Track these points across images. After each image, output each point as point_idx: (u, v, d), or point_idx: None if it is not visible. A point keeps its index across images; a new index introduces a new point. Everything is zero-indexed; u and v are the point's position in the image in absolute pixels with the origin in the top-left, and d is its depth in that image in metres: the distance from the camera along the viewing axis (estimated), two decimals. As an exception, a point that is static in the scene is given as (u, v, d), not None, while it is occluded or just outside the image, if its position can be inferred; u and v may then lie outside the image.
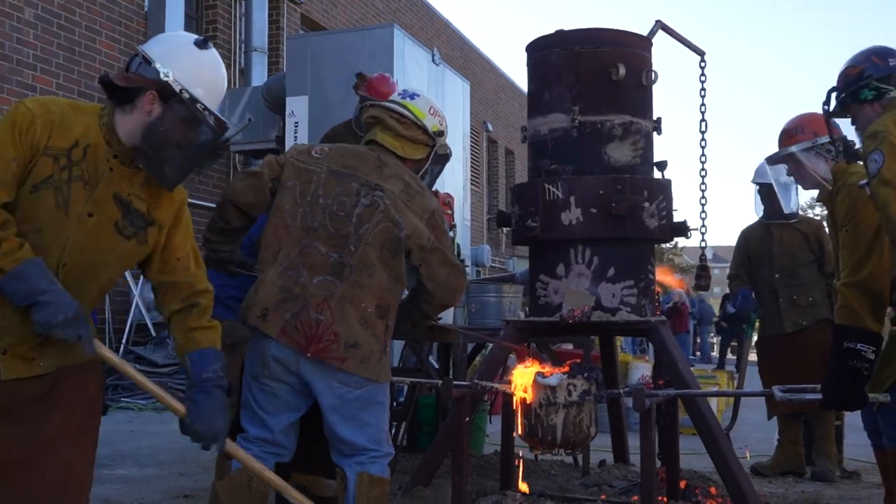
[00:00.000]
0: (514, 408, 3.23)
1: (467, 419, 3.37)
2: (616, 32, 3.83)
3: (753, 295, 5.20)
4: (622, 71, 3.69)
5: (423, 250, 2.71)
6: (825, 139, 3.12)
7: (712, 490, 3.90)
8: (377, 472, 2.70)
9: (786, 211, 3.59)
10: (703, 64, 5.11)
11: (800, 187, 3.24)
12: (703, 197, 4.90)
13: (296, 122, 8.47)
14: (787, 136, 3.25)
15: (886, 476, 3.05)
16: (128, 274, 9.10)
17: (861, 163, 2.98)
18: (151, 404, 8.11)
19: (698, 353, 18.66)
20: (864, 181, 2.63)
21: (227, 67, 11.41)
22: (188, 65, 2.22)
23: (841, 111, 2.84)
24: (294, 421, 2.77)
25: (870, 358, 2.71)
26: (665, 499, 3.78)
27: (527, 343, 4.01)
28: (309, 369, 2.64)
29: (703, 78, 5.09)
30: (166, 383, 8.48)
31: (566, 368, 3.17)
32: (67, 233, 2.14)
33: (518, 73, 22.10)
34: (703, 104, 5.09)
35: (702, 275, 4.33)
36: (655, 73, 3.83)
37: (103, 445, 5.50)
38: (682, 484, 3.95)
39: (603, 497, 4.04)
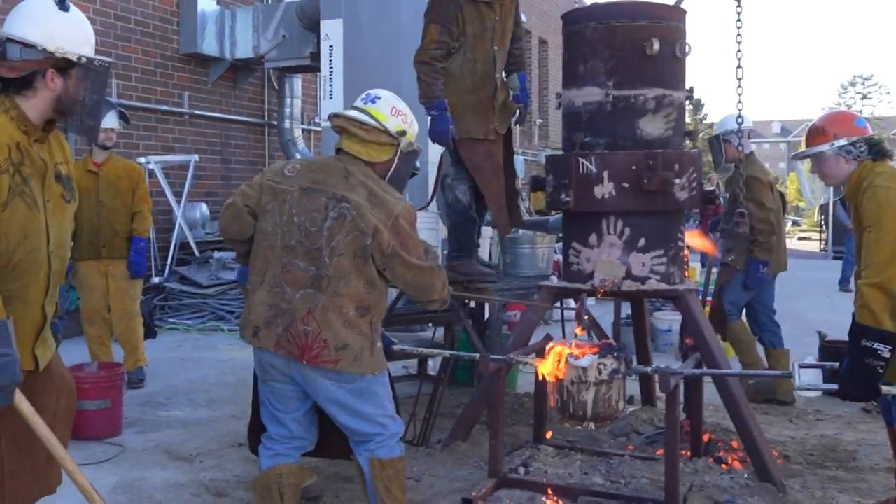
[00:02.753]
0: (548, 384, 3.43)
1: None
2: (650, 6, 3.80)
3: None
4: (656, 46, 3.68)
5: (384, 256, 2.85)
6: (843, 141, 3.15)
7: (734, 444, 4.12)
8: (386, 454, 2.94)
9: (808, 206, 3.66)
10: (739, 9, 5.02)
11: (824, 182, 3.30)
12: (740, 143, 4.93)
13: (331, 46, 8.44)
14: (810, 135, 3.28)
15: (897, 451, 3.24)
16: (169, 194, 9.33)
17: (888, 162, 3.03)
18: (197, 325, 8.53)
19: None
20: None
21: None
22: (69, 32, 2.36)
23: None
24: (307, 410, 3.02)
25: (886, 357, 2.85)
26: (688, 452, 4.03)
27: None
28: (302, 375, 2.86)
29: (739, 23, 5.02)
30: (209, 304, 8.89)
31: (596, 349, 3.34)
32: (44, 225, 2.36)
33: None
34: (739, 50, 5.06)
35: (740, 221, 4.42)
36: (689, 45, 3.81)
37: (157, 379, 6.00)
38: (706, 437, 4.19)
39: (630, 448, 4.30)
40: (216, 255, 9.24)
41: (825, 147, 3.20)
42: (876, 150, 3.11)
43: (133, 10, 9.30)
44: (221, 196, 10.61)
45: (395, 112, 3.03)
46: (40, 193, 2.35)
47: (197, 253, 9.37)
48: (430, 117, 4.35)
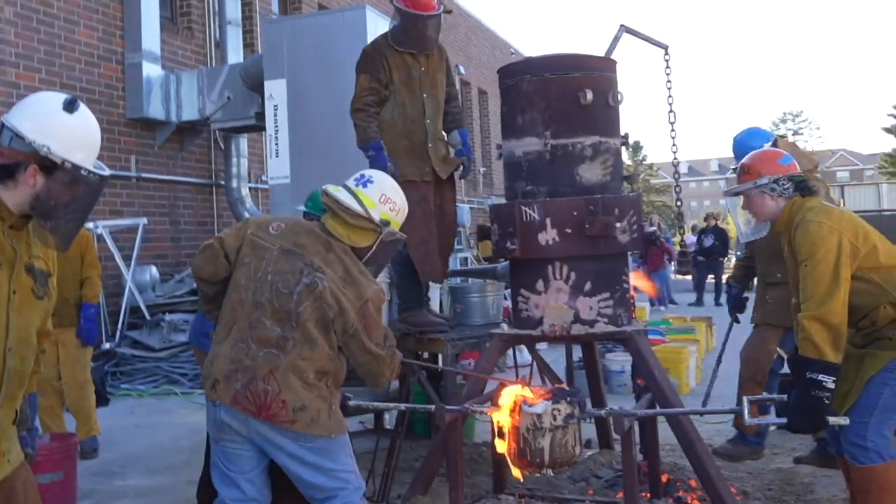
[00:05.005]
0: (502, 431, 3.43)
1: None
2: (582, 58, 3.94)
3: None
4: (590, 95, 3.80)
5: (345, 335, 2.89)
6: (766, 180, 3.27)
7: (692, 483, 4.16)
8: None
9: (742, 240, 3.79)
10: (667, 57, 5.23)
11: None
12: (678, 185, 5.09)
13: (275, 105, 8.51)
14: (739, 174, 3.42)
15: (848, 480, 3.30)
16: (118, 258, 9.21)
17: (816, 198, 3.16)
18: (150, 390, 8.35)
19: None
20: None
21: (203, 42, 11.35)
22: (63, 133, 2.23)
23: None
24: (260, 472, 2.98)
25: (830, 387, 2.93)
26: (648, 494, 4.05)
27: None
28: (259, 433, 2.84)
29: (668, 70, 5.22)
30: (162, 367, 8.73)
31: (549, 395, 3.36)
32: (4, 319, 2.23)
33: (487, 13, 21.98)
34: (670, 96, 5.24)
35: (682, 260, 4.53)
36: (621, 93, 3.94)
37: (112, 447, 5.84)
38: (664, 478, 4.22)
39: (590, 492, 4.31)
40: (167, 317, 9.10)
41: (750, 185, 3.32)
42: (801, 188, 3.23)
43: (78, 78, 9.29)
44: (171, 258, 10.50)
45: (384, 199, 3.07)
46: (6, 283, 2.22)
47: (148, 316, 9.22)
48: (368, 158, 4.49)
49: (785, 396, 3.19)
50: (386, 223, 3.05)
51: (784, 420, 3.07)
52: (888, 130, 42.42)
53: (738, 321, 5.44)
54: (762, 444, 5.02)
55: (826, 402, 2.94)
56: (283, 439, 2.82)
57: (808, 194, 3.23)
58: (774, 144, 4.82)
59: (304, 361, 2.82)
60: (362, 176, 3.11)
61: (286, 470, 2.91)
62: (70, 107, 2.27)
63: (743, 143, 4.89)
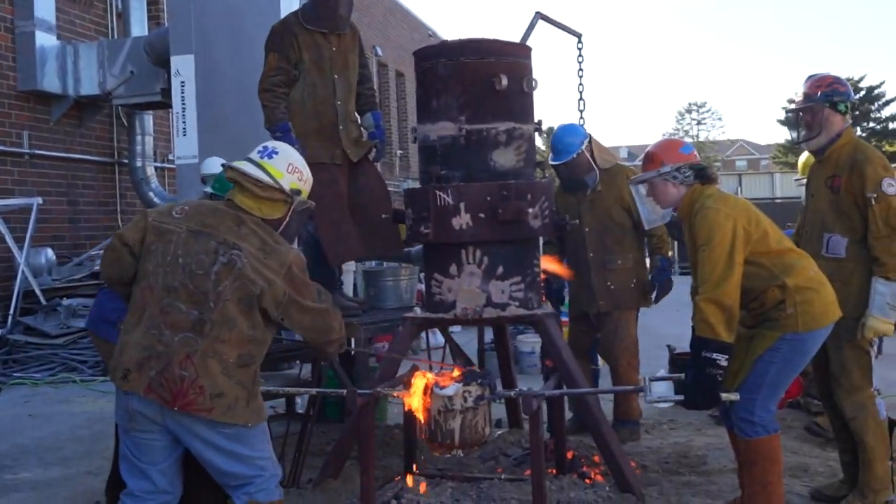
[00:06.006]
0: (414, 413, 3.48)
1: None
2: (498, 43, 3.96)
3: None
4: (505, 81, 3.85)
5: (280, 305, 2.85)
6: (668, 168, 3.41)
7: (596, 458, 4.31)
8: (265, 498, 2.89)
9: (646, 226, 3.95)
10: (580, 45, 5.35)
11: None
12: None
13: (182, 82, 8.23)
14: (644, 162, 3.55)
15: (737, 451, 3.50)
16: (9, 240, 8.78)
17: (715, 185, 3.32)
18: (46, 378, 8.00)
19: None
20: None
21: (104, 12, 10.89)
22: None
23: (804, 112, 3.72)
24: (173, 462, 2.91)
25: (724, 366, 3.09)
26: (554, 471, 4.18)
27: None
28: (175, 421, 2.77)
29: (580, 59, 5.35)
30: (59, 354, 8.37)
31: (460, 377, 3.42)
32: None
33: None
34: (581, 84, 5.37)
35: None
36: (535, 80, 4.01)
37: (3, 440, 5.57)
38: (570, 455, 4.35)
39: (499, 471, 4.40)
40: (65, 302, 8.73)
41: (653, 174, 3.45)
42: (701, 175, 3.38)
43: (-36, 46, 8.77)
44: (69, 240, 10.08)
45: (292, 169, 3.02)
46: None
47: (43, 301, 8.83)
48: (275, 139, 4.38)
49: (683, 375, 3.35)
50: (297, 192, 3.01)
51: (681, 397, 3.22)
52: (781, 122, 44.58)
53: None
54: (638, 424, 5.24)
55: (719, 379, 3.11)
56: (199, 426, 2.76)
57: (707, 182, 3.38)
58: (589, 140, 5.05)
59: (223, 344, 2.76)
60: (266, 148, 3.06)
61: (200, 458, 2.85)
62: None
63: (560, 138, 5.07)
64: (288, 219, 3.02)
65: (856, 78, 36.84)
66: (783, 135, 49.65)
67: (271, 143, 3.10)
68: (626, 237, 5.12)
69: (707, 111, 66.28)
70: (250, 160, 3.01)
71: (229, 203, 2.99)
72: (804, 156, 5.40)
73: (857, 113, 37.14)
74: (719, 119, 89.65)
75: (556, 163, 5.01)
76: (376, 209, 4.80)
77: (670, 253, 5.43)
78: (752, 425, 3.26)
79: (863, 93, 36.92)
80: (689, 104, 62.45)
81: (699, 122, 61.02)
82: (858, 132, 37.51)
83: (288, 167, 3.01)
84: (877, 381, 3.74)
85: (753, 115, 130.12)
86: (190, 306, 2.78)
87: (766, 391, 3.26)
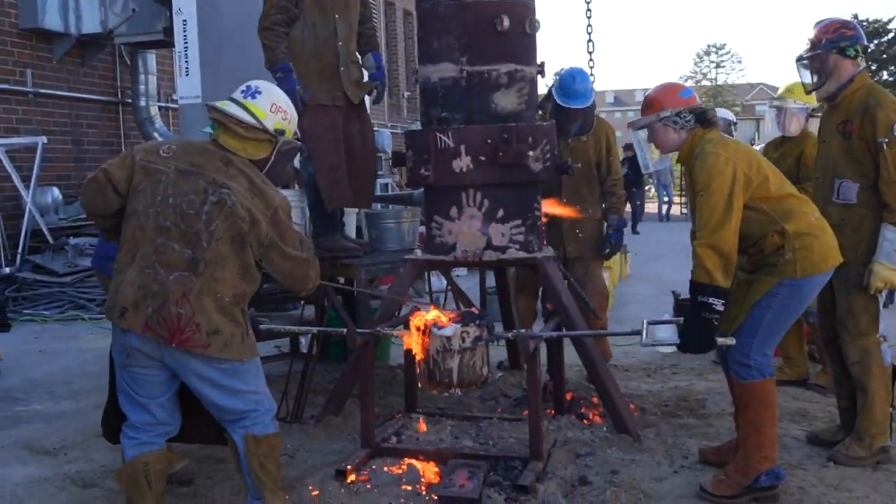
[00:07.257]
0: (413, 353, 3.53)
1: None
2: (500, -17, 3.89)
3: None
4: (507, 22, 3.79)
5: (261, 246, 2.88)
6: (668, 112, 3.38)
7: (594, 400, 4.37)
8: (261, 431, 2.96)
9: (644, 171, 3.93)
10: (587, -9, 5.24)
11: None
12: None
13: (184, 20, 8.10)
14: (643, 107, 3.50)
15: (734, 395, 3.54)
16: (16, 179, 8.81)
17: (715, 129, 3.29)
18: (55, 315, 8.12)
19: None
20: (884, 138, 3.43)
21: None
22: None
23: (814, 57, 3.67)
24: (171, 396, 2.98)
25: (719, 310, 3.11)
26: (553, 411, 4.25)
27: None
28: (172, 357, 2.83)
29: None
30: (67, 292, 8.47)
31: (458, 318, 3.46)
32: None
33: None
34: (589, 25, 5.28)
35: None
36: (538, 21, 3.95)
37: (13, 374, 5.70)
38: (569, 396, 4.42)
39: (499, 410, 4.48)
40: (72, 241, 8.80)
41: (653, 118, 3.42)
42: (702, 120, 3.35)
43: (-38, -19, 8.66)
44: (74, 179, 10.10)
45: (275, 109, 3.01)
46: None
47: (51, 240, 8.91)
48: (276, 80, 4.36)
49: (682, 319, 3.38)
50: (281, 132, 3.00)
51: (677, 341, 3.25)
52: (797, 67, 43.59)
53: None
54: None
55: (715, 323, 3.13)
56: (196, 362, 2.82)
57: (708, 126, 3.35)
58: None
59: (216, 282, 2.80)
60: (249, 87, 3.03)
61: (197, 393, 2.92)
62: None
63: (581, 81, 4.89)
64: (273, 159, 3.02)
65: (884, 20, 35.80)
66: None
67: (254, 83, 3.07)
68: (597, 190, 5.12)
69: (726, 53, 65.18)
70: (233, 100, 3.00)
71: (215, 142, 2.99)
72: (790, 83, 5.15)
73: (885, 56, 36.16)
74: (739, 62, 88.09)
75: (579, 106, 4.89)
76: (364, 160, 4.80)
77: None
78: (748, 368, 3.29)
79: (891, 34, 35.85)
80: (708, 46, 61.41)
81: (718, 65, 59.95)
82: (886, 77, 36.59)
83: (271, 107, 3.00)
84: (884, 329, 3.74)
85: (774, 58, 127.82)
86: (183, 245, 2.80)
87: (763, 336, 3.28)
